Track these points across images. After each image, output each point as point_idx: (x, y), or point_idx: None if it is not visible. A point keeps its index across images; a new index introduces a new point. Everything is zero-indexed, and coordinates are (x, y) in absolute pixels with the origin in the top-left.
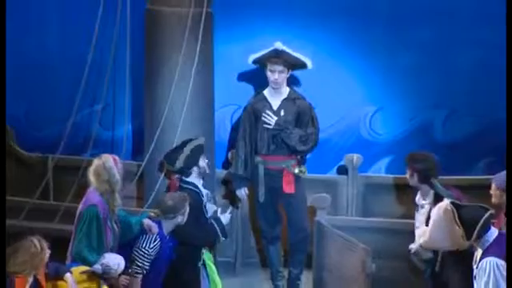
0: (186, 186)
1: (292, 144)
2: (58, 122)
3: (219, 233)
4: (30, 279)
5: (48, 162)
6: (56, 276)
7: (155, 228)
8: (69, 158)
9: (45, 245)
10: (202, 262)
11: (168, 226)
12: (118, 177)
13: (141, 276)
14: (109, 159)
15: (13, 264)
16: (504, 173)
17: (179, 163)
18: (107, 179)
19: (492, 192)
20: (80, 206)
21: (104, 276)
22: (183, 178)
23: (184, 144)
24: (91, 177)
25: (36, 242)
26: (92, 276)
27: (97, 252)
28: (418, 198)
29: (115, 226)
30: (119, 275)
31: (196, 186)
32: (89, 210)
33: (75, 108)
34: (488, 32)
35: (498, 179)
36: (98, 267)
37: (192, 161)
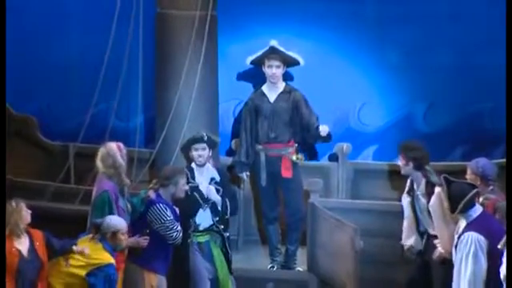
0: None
1: (317, 139)
2: (78, 114)
3: (199, 200)
4: (22, 240)
5: (69, 150)
6: (63, 252)
7: (152, 193)
8: (88, 146)
9: (21, 203)
10: (192, 239)
11: (165, 193)
12: (121, 161)
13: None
14: (112, 146)
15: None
16: (478, 159)
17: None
18: (112, 164)
19: (468, 176)
20: (94, 192)
21: (102, 232)
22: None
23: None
24: (98, 163)
25: (12, 202)
26: (95, 242)
27: None
28: (416, 189)
29: (128, 204)
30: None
31: (191, 170)
32: (101, 196)
33: (93, 102)
34: (463, 33)
35: (473, 165)
36: (98, 220)
37: (184, 148)
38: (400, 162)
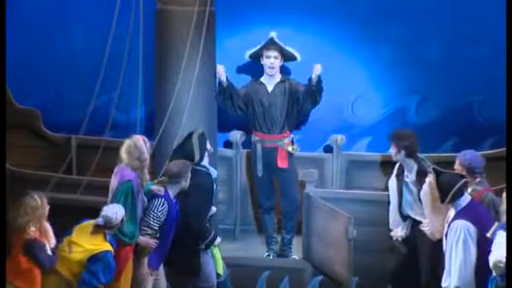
0: (200, 168)
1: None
2: (80, 107)
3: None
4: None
5: (72, 142)
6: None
7: (161, 190)
8: (90, 138)
9: (44, 199)
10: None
11: (174, 190)
12: (146, 154)
13: (148, 236)
14: (139, 139)
15: (18, 218)
16: (466, 151)
17: (197, 156)
18: (138, 156)
19: (456, 167)
20: (113, 181)
21: (107, 225)
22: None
23: (189, 138)
24: (123, 154)
25: (37, 196)
26: (98, 230)
27: (131, 222)
28: (406, 175)
29: (144, 197)
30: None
31: (208, 169)
32: (125, 185)
33: (95, 95)
34: (453, 30)
35: (461, 157)
36: (99, 219)
37: (204, 149)
38: (392, 150)
